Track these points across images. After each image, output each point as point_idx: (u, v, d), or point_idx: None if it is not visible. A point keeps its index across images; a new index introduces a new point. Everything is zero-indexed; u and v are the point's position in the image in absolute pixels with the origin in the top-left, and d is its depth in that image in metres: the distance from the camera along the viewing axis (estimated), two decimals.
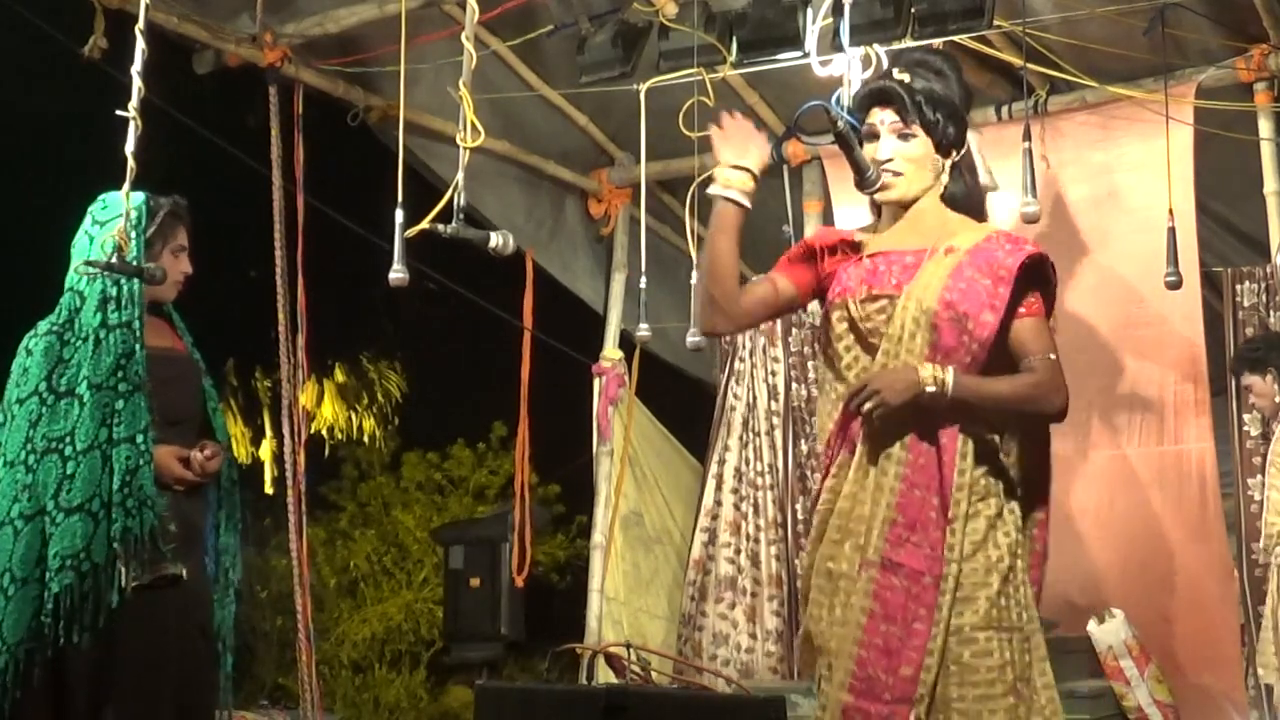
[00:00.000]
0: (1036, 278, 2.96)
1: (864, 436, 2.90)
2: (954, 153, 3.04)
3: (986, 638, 2.83)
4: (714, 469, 6.87)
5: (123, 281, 3.52)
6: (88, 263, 3.44)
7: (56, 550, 3.37)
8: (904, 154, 2.99)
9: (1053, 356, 2.94)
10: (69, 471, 3.41)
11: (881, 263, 2.99)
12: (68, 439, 3.43)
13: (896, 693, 2.78)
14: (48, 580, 3.36)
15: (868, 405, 2.82)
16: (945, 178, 3.03)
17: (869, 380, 2.85)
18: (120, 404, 3.45)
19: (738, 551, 6.71)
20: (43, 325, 3.57)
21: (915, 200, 3.03)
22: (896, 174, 2.98)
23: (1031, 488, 3.00)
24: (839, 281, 3.02)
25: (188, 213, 3.75)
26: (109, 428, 3.44)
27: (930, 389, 2.81)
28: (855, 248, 3.05)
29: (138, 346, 3.50)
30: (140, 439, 3.46)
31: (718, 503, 6.79)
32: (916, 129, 2.99)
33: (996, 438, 2.95)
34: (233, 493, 3.84)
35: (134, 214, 3.54)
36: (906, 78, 3.03)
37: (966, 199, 3.07)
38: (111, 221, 3.53)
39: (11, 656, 3.35)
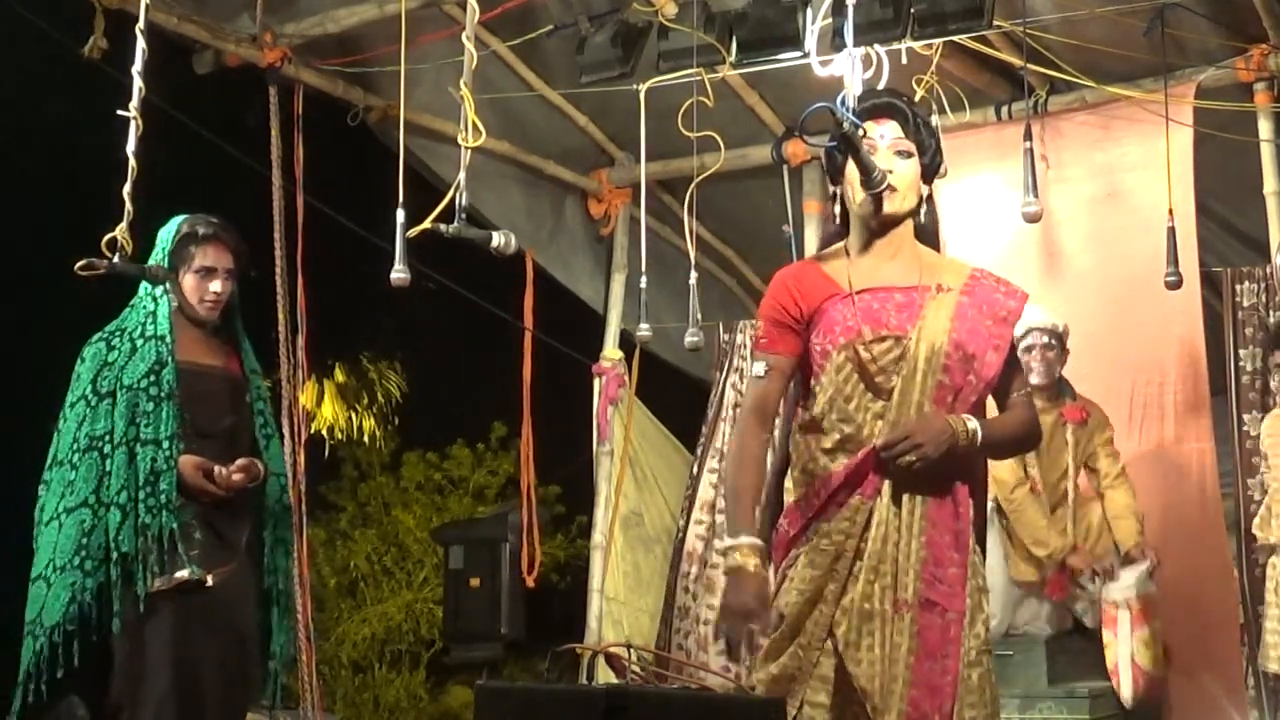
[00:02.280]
0: (1018, 318, 3.08)
1: (890, 480, 2.91)
2: (932, 181, 3.08)
3: (985, 659, 2.94)
4: (714, 464, 6.86)
5: (159, 297, 3.71)
6: (89, 262, 3.48)
7: (100, 543, 3.53)
8: (900, 171, 3.00)
9: (1028, 391, 3.13)
10: (107, 468, 3.58)
11: (873, 301, 2.98)
12: (107, 437, 3.61)
13: None
14: (93, 571, 3.51)
15: (909, 458, 2.85)
16: (923, 206, 3.06)
17: (909, 433, 2.86)
18: (150, 406, 3.62)
19: None
20: (97, 334, 3.76)
21: (899, 223, 3.03)
22: (892, 189, 2.98)
23: (980, 520, 3.07)
24: (835, 321, 2.99)
25: (224, 232, 3.82)
26: (136, 426, 3.61)
27: (963, 441, 2.89)
28: (832, 284, 3.03)
29: (170, 358, 3.66)
30: (166, 444, 3.61)
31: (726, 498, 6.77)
32: (913, 148, 3.02)
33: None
34: (284, 517, 3.96)
35: (167, 233, 3.78)
36: (905, 98, 3.05)
37: (931, 232, 3.13)
38: (161, 242, 3.78)
39: (47, 639, 3.49)
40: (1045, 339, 5.31)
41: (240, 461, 3.73)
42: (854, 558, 2.92)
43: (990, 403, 3.12)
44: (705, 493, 6.84)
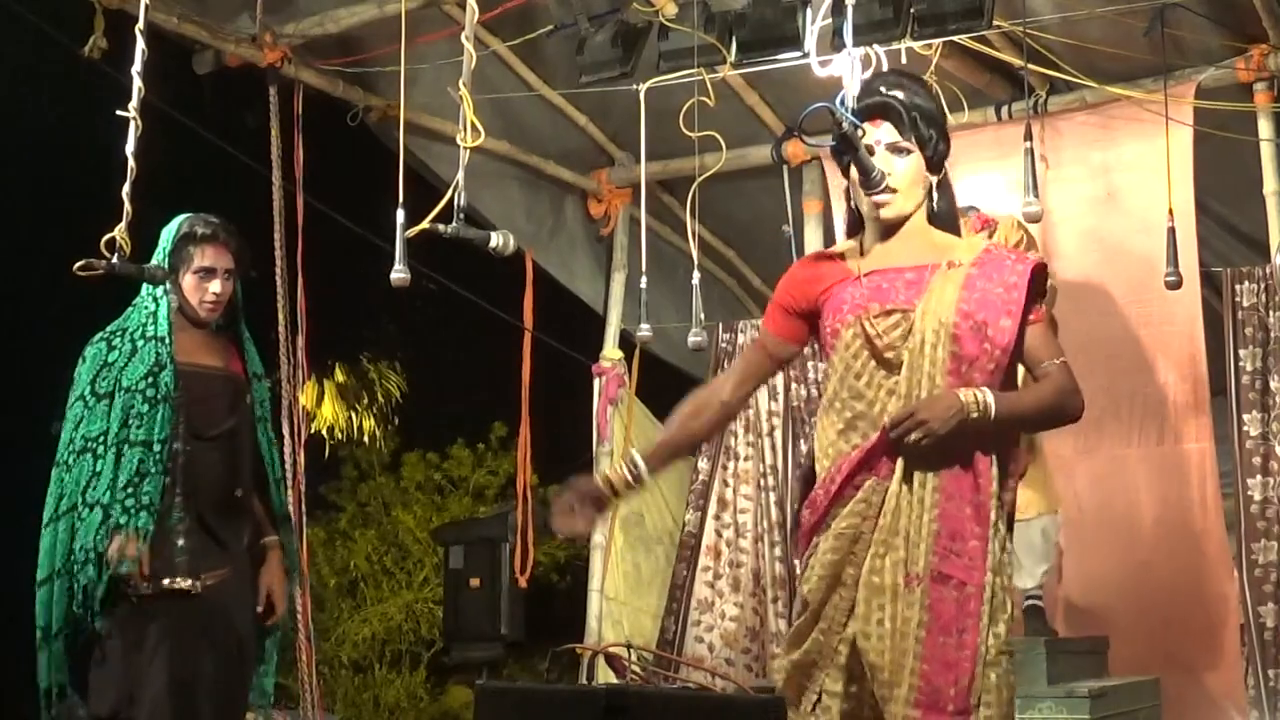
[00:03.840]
0: (1039, 286, 3.00)
1: (903, 458, 2.89)
2: (940, 170, 3.05)
3: (1004, 660, 2.89)
4: (726, 463, 6.88)
5: (160, 297, 3.68)
6: (88, 262, 3.48)
7: (81, 544, 3.52)
8: (899, 170, 2.98)
9: (1063, 360, 3.01)
10: (97, 469, 3.56)
11: (882, 280, 2.98)
12: (100, 439, 3.59)
13: (958, 704, 2.81)
14: (76, 573, 3.51)
15: (914, 437, 2.83)
16: (934, 193, 3.04)
17: (914, 410, 2.83)
18: (145, 409, 3.59)
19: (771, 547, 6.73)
20: (99, 334, 3.74)
21: (907, 219, 3.01)
22: (892, 191, 2.96)
23: (1010, 499, 3.03)
24: (842, 301, 2.99)
25: (224, 232, 3.79)
26: (128, 428, 3.58)
27: (975, 414, 2.84)
28: (843, 269, 3.03)
29: (169, 360, 3.64)
30: (157, 447, 3.59)
31: (746, 498, 6.78)
32: (911, 145, 2.99)
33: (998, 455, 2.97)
34: (286, 524, 3.96)
35: (167, 234, 3.76)
36: (899, 94, 3.02)
37: (948, 217, 3.09)
38: (162, 242, 3.76)
39: (59, 640, 3.54)
40: None
41: (272, 603, 3.79)
42: (870, 539, 2.91)
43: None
44: (721, 491, 6.85)
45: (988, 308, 2.93)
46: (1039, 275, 2.99)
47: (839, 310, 2.98)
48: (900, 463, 2.89)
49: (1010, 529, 3.01)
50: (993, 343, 2.92)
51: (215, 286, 3.74)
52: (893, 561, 2.87)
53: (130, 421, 3.58)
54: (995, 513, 2.89)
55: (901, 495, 2.88)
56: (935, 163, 3.03)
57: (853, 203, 3.09)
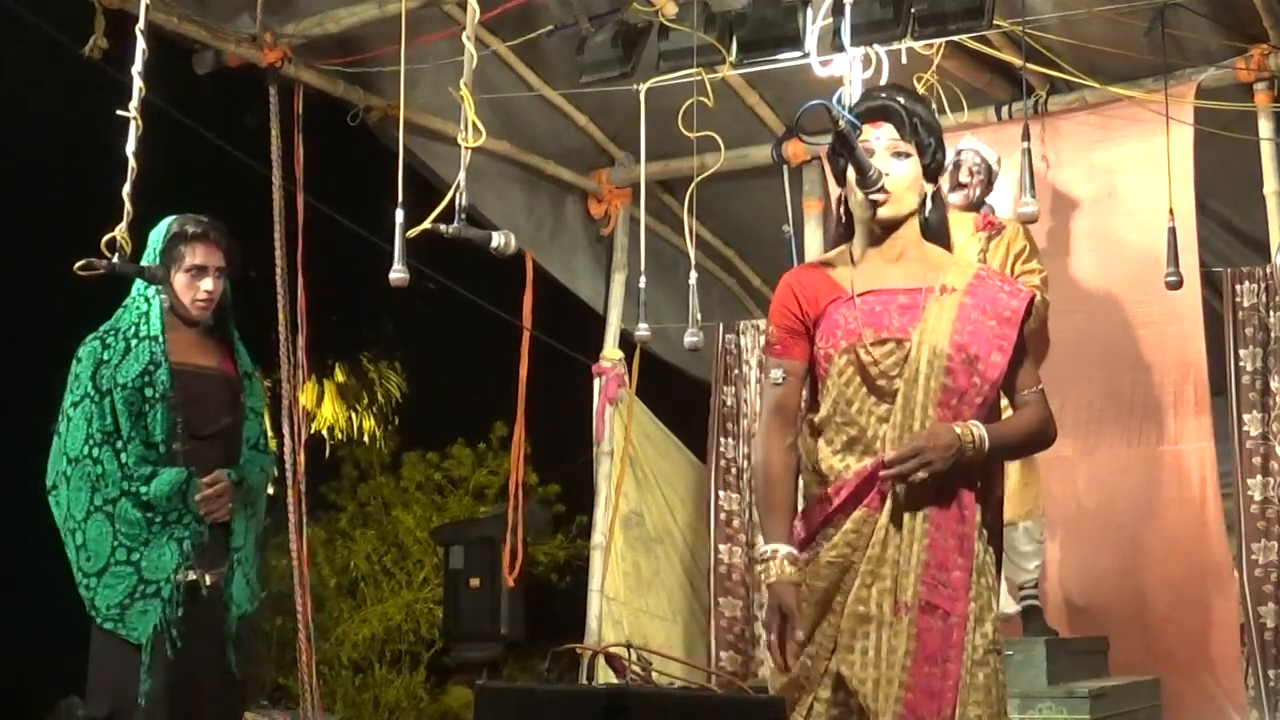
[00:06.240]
0: (1027, 316, 3.03)
1: (895, 491, 2.89)
2: (936, 181, 3.06)
3: (993, 659, 2.91)
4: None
5: (152, 297, 3.69)
6: (88, 262, 3.48)
7: (131, 529, 3.54)
8: (898, 173, 2.97)
9: (1040, 388, 3.06)
10: (124, 460, 3.59)
11: (876, 303, 2.97)
12: (116, 433, 3.61)
13: None
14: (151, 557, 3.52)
15: (919, 476, 2.84)
16: (928, 204, 3.04)
17: (917, 449, 2.84)
18: (145, 408, 3.62)
19: None
20: (91, 334, 3.73)
21: (901, 224, 3.01)
22: (887, 192, 2.96)
23: (995, 522, 3.06)
24: (836, 324, 2.97)
25: (214, 230, 3.78)
26: (129, 425, 3.61)
27: (970, 451, 2.87)
28: (836, 285, 3.02)
29: (164, 359, 3.65)
30: (160, 448, 3.62)
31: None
32: (911, 149, 2.99)
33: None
34: (260, 498, 3.94)
35: (158, 234, 3.75)
36: (901, 99, 3.03)
37: (939, 229, 3.09)
38: (152, 242, 3.75)
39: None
40: (976, 159, 5.32)
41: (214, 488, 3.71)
42: (859, 568, 2.91)
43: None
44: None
45: (981, 341, 2.94)
46: (1030, 307, 3.03)
47: (832, 334, 2.97)
48: (892, 495, 2.90)
49: (999, 550, 3.04)
50: (983, 377, 2.94)
51: (207, 284, 3.74)
52: (879, 590, 2.88)
53: (131, 420, 3.60)
54: (979, 543, 2.93)
55: (891, 526, 2.89)
56: (932, 171, 3.04)
57: (844, 208, 3.07)
